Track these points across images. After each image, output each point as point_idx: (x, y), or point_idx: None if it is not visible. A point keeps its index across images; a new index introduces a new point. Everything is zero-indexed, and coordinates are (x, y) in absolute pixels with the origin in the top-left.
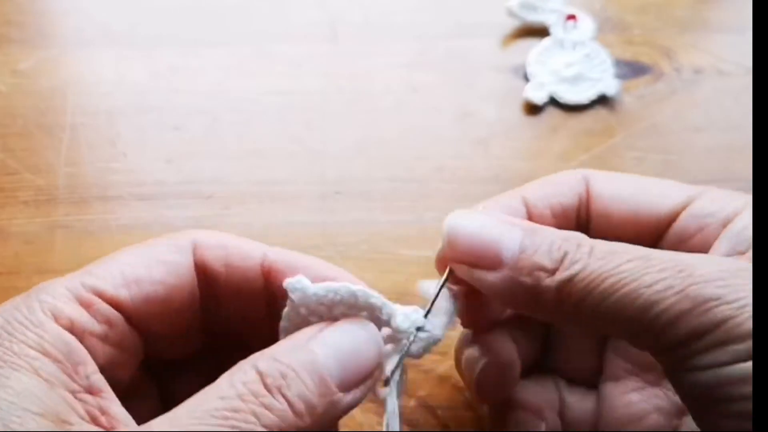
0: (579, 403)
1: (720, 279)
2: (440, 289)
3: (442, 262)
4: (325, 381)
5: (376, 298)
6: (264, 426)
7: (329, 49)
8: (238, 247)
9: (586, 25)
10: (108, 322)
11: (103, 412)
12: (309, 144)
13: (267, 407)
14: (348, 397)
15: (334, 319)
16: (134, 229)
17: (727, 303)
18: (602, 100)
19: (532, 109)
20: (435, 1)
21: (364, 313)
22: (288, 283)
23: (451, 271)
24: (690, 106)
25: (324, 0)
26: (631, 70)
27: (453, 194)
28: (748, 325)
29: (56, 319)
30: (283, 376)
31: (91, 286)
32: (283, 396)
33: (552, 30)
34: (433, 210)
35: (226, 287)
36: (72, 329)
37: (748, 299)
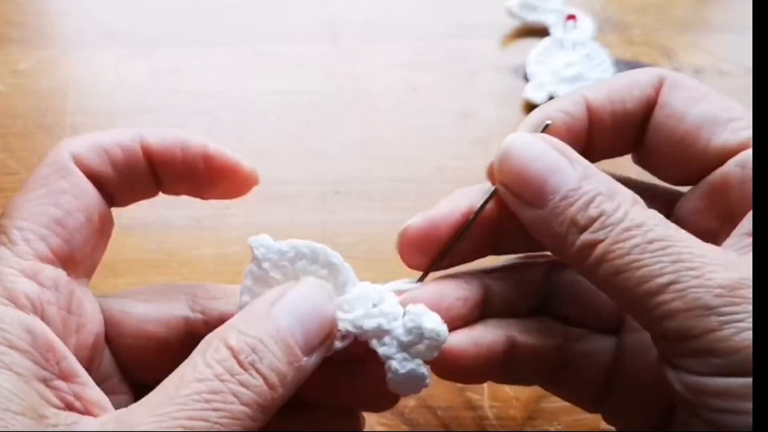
0: (587, 346)
1: (722, 288)
2: (484, 204)
3: (491, 175)
4: (291, 348)
5: (336, 257)
6: (243, 404)
7: (329, 49)
8: (113, 140)
9: (586, 25)
10: (55, 284)
11: (78, 397)
12: (309, 144)
13: (244, 385)
14: (311, 360)
15: (295, 276)
16: (134, 229)
17: (718, 315)
18: None
19: (532, 109)
20: (435, 1)
21: (324, 271)
22: (252, 240)
23: (495, 192)
24: None
25: (324, 0)
26: (631, 70)
27: None
28: (733, 341)
29: (15, 303)
30: (254, 350)
31: (28, 251)
32: (257, 371)
33: (552, 30)
34: None
35: (119, 185)
36: (31, 306)
37: (742, 315)
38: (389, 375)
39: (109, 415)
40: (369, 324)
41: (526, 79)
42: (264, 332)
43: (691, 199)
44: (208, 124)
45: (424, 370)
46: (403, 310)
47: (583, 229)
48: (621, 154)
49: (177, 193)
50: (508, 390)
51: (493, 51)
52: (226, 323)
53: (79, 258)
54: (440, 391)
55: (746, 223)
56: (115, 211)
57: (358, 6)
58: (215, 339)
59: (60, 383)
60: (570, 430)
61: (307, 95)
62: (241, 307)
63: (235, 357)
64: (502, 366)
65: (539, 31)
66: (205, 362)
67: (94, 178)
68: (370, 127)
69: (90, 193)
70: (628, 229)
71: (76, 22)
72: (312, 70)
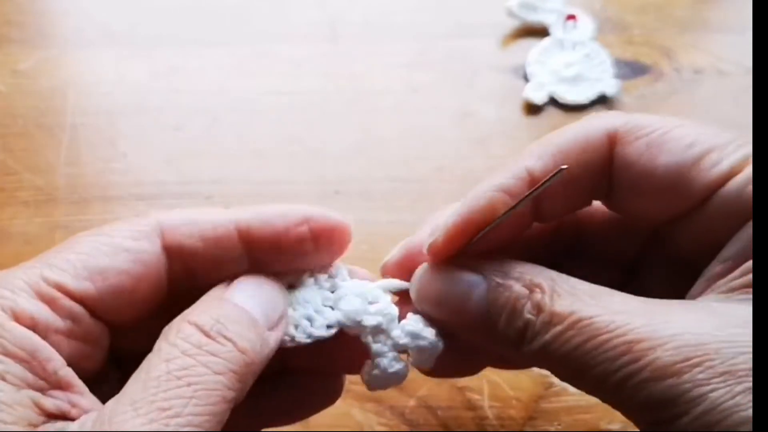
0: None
1: (673, 370)
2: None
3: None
4: (254, 319)
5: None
6: (217, 372)
7: (329, 49)
8: (207, 218)
9: (586, 25)
10: (72, 317)
11: (74, 406)
12: (309, 144)
13: (214, 354)
14: (273, 335)
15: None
16: None
17: (677, 405)
18: (602, 100)
19: (532, 109)
20: (435, 1)
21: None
22: None
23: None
24: (690, 106)
25: (324, 0)
26: (631, 70)
27: (453, 194)
28: (703, 417)
29: (17, 318)
30: (218, 321)
31: (54, 281)
32: (224, 337)
33: (552, 30)
34: (433, 210)
35: (205, 262)
36: (35, 328)
37: (703, 387)
38: (375, 371)
39: (88, 414)
40: (369, 321)
41: (526, 79)
42: (224, 309)
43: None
44: (208, 124)
45: (407, 371)
46: (398, 310)
47: (519, 343)
48: (577, 210)
49: (270, 267)
50: (508, 390)
51: (493, 51)
52: (184, 311)
53: (108, 310)
54: (440, 391)
55: (728, 248)
56: (116, 212)
57: (358, 6)
58: (175, 322)
59: (56, 392)
60: (570, 430)
61: (307, 95)
62: None
63: (200, 329)
64: None
65: (539, 31)
66: (169, 343)
67: (177, 250)
68: (370, 127)
69: (153, 264)
70: (560, 334)
71: (76, 22)
72: (312, 70)
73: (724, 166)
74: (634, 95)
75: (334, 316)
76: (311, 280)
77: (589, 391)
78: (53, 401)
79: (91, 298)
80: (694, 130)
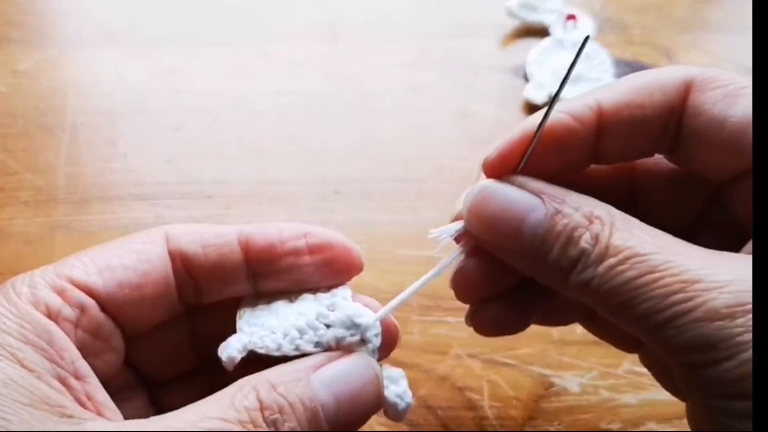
0: None
1: (722, 313)
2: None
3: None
4: (318, 419)
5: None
6: None
7: (329, 49)
8: (211, 229)
9: (586, 25)
10: (81, 307)
11: (90, 398)
12: (309, 144)
13: None
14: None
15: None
16: (134, 229)
17: (717, 350)
18: None
19: (532, 109)
20: (435, 1)
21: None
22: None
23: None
24: None
25: (324, 0)
26: (631, 70)
27: (453, 194)
28: (735, 372)
29: (37, 308)
30: (281, 410)
31: (65, 274)
32: (277, 430)
33: (552, 30)
34: (433, 210)
35: (206, 270)
36: (48, 315)
37: (745, 337)
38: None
39: (126, 422)
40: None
41: (526, 79)
42: (295, 396)
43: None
44: (208, 124)
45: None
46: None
47: (569, 271)
48: (638, 158)
49: (275, 287)
50: (508, 390)
51: (493, 51)
52: (263, 372)
53: (117, 305)
54: (440, 391)
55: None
56: (116, 212)
57: (358, 6)
58: (248, 385)
59: (74, 381)
60: (570, 430)
61: (307, 95)
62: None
63: (262, 410)
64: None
65: (539, 31)
66: (232, 404)
67: (178, 254)
68: (370, 127)
69: (159, 264)
70: (612, 267)
71: (76, 22)
72: (312, 70)
73: None
74: None
75: (325, 336)
76: (311, 296)
77: (630, 327)
78: (72, 391)
79: (98, 290)
80: None
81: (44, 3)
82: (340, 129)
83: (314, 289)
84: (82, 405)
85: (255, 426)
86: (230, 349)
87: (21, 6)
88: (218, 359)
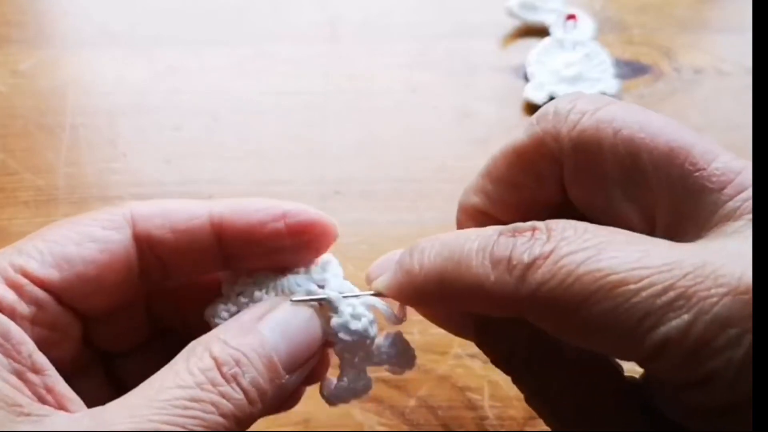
0: None
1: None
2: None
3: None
4: (274, 365)
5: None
6: (222, 415)
7: (329, 49)
8: (181, 210)
9: (586, 25)
10: (37, 303)
11: (50, 391)
12: (309, 144)
13: (224, 396)
14: (293, 378)
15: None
16: None
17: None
18: None
19: (532, 109)
20: (435, 1)
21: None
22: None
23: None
24: (690, 106)
25: (324, 0)
26: (631, 70)
27: (453, 194)
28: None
29: None
30: (237, 363)
31: (20, 266)
32: (239, 384)
33: (552, 30)
34: (433, 210)
35: (176, 254)
36: (2, 309)
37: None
38: (342, 383)
39: (84, 412)
40: (354, 337)
41: (526, 79)
42: (249, 346)
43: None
44: (208, 124)
45: (372, 385)
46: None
47: (518, 287)
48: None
49: (247, 265)
50: (508, 390)
51: (493, 51)
52: (211, 332)
53: (75, 298)
54: (440, 391)
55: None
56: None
57: (358, 6)
58: (199, 347)
59: (32, 376)
60: None
61: (307, 95)
62: (213, 317)
63: (219, 368)
64: None
65: (539, 31)
66: (187, 369)
67: (146, 239)
68: (370, 127)
69: (120, 254)
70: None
71: (76, 22)
72: (312, 70)
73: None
74: (634, 95)
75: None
76: (302, 269)
77: (574, 335)
78: (31, 386)
79: (56, 285)
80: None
81: (44, 3)
82: (340, 129)
83: (295, 267)
84: (41, 399)
85: (215, 385)
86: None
87: (21, 6)
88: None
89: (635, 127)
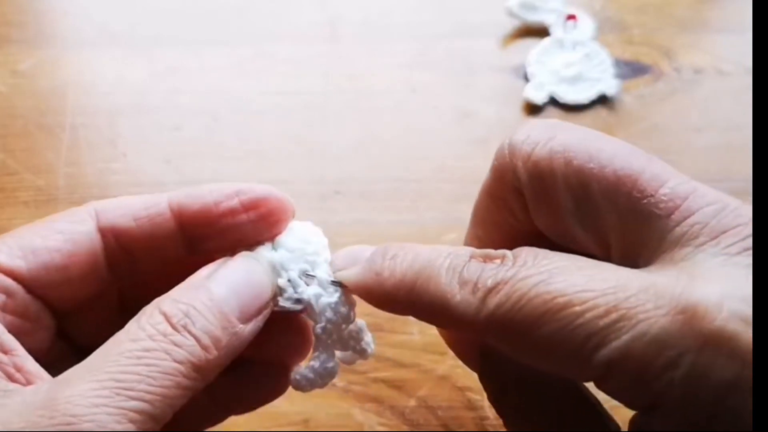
0: None
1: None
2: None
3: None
4: (225, 315)
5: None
6: (175, 360)
7: (329, 49)
8: (140, 201)
9: (586, 25)
10: (6, 291)
11: (18, 369)
12: (309, 144)
13: (176, 344)
14: (248, 327)
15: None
16: None
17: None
18: (602, 100)
19: (532, 109)
20: (435, 1)
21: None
22: None
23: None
24: (690, 106)
25: (324, 0)
26: (630, 70)
27: (453, 194)
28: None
29: None
30: (186, 315)
31: None
32: (189, 332)
33: (552, 30)
34: (433, 210)
35: (140, 241)
36: None
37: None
38: (313, 364)
39: (45, 381)
40: (333, 316)
41: (526, 79)
42: (197, 300)
43: None
44: (208, 124)
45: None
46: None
47: (478, 311)
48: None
49: (208, 251)
50: None
51: (493, 51)
52: (164, 294)
53: (42, 286)
54: (440, 391)
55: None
56: None
57: (358, 6)
58: (149, 307)
59: (0, 356)
60: None
61: (307, 95)
62: None
63: (168, 321)
64: None
65: (539, 31)
66: (138, 326)
67: (110, 230)
68: (370, 127)
69: (85, 243)
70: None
71: (76, 22)
72: (312, 70)
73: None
74: (634, 95)
75: (306, 293)
76: (268, 244)
77: (529, 355)
78: None
79: (24, 275)
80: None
81: (44, 3)
82: (340, 129)
83: (254, 245)
84: (11, 377)
85: (165, 335)
86: None
87: (21, 6)
88: None
89: (585, 157)
